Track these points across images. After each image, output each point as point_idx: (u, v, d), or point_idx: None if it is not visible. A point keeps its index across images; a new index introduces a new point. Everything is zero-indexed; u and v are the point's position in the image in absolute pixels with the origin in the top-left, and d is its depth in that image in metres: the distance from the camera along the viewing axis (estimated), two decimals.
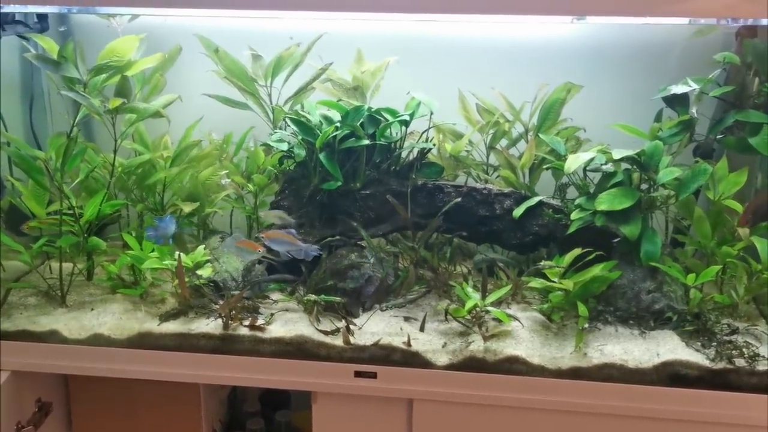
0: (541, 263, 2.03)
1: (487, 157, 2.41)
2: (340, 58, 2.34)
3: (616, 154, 2.03)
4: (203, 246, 2.19)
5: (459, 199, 2.18)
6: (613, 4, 1.81)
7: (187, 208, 2.23)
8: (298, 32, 2.33)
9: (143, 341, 2.01)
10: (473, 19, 2.29)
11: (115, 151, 2.14)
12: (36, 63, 2.06)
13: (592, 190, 2.13)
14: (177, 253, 2.06)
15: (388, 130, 2.22)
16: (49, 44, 2.05)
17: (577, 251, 1.99)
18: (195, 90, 2.33)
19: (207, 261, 2.13)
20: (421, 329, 2.02)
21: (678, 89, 2.12)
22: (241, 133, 2.41)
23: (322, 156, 2.15)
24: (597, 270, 1.97)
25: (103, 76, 2.05)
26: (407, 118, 2.20)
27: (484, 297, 2.01)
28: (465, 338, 1.98)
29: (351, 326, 2.00)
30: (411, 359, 1.94)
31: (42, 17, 2.34)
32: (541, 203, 2.18)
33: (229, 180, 2.32)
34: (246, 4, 1.94)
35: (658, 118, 2.22)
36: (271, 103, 2.38)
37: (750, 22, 2.08)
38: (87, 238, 2.17)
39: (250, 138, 2.40)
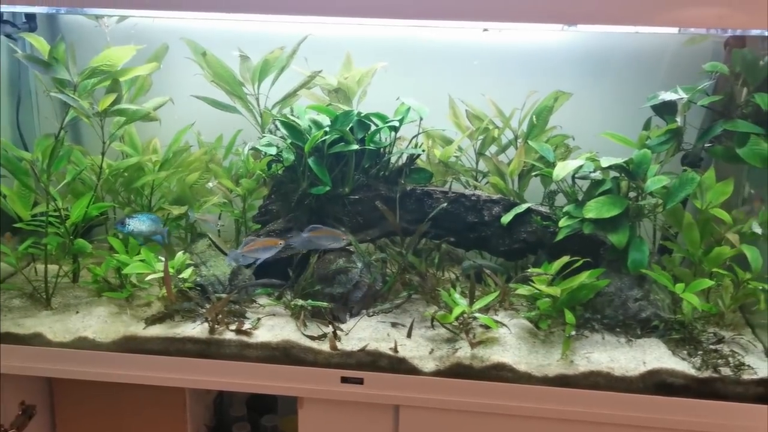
0: (529, 270, 2.03)
1: (477, 164, 2.41)
2: (330, 63, 2.33)
3: (605, 162, 2.04)
4: (182, 251, 2.17)
5: (446, 204, 2.18)
6: (604, 13, 1.81)
7: (176, 211, 2.21)
8: (287, 36, 2.33)
9: (128, 345, 2.00)
10: (464, 26, 2.30)
11: (103, 154, 2.13)
12: (27, 64, 2.04)
13: (580, 198, 2.13)
14: (163, 256, 2.05)
15: (378, 136, 2.22)
16: (40, 43, 2.03)
17: (565, 259, 1.99)
18: (183, 92, 2.32)
19: (189, 266, 2.12)
20: (408, 335, 2.01)
21: (667, 97, 2.12)
22: (229, 135, 2.41)
23: (311, 160, 2.14)
24: (584, 277, 1.97)
25: (94, 80, 2.03)
26: (396, 123, 2.19)
27: (471, 303, 2.01)
28: (452, 344, 1.97)
29: (338, 331, 1.99)
30: (398, 365, 1.93)
31: (30, 17, 2.32)
32: (529, 210, 2.18)
33: (216, 182, 2.31)
34: (235, 7, 1.93)
35: (646, 126, 2.23)
36: (259, 107, 2.37)
37: (739, 32, 2.09)
38: (73, 240, 2.15)
39: (240, 142, 2.39)
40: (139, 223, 2.08)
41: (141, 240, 2.10)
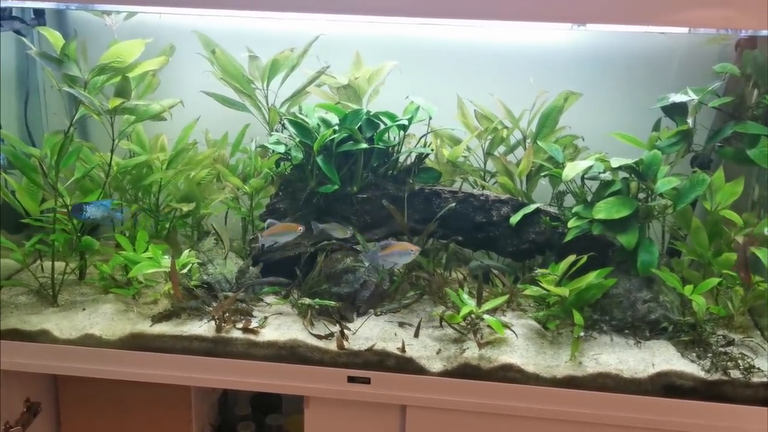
0: (536, 270, 2.02)
1: (485, 164, 2.41)
2: (339, 62, 2.33)
3: (614, 163, 2.03)
4: (189, 249, 2.17)
5: (454, 205, 2.17)
6: (613, 12, 1.80)
7: (185, 207, 2.21)
8: (296, 33, 2.32)
9: (135, 342, 1.99)
10: (473, 24, 2.29)
11: (111, 151, 2.12)
12: (40, 60, 2.03)
13: (589, 199, 2.12)
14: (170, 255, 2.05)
15: (386, 134, 2.21)
16: (54, 37, 2.02)
17: (571, 258, 1.98)
18: (190, 90, 2.32)
19: (194, 263, 2.12)
20: (416, 335, 2.00)
21: (677, 98, 2.12)
22: (236, 133, 2.40)
23: (319, 159, 2.14)
24: (591, 277, 1.96)
25: (104, 76, 2.02)
26: (405, 122, 2.19)
27: (479, 304, 2.00)
28: (459, 345, 1.96)
29: (345, 331, 1.99)
30: (405, 365, 1.93)
31: (39, 13, 2.32)
32: (538, 210, 2.18)
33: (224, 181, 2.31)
34: (244, 4, 1.93)
35: (656, 127, 2.22)
36: (268, 105, 2.37)
37: (750, 32, 2.08)
38: (80, 237, 2.15)
39: (248, 140, 2.38)
40: (94, 209, 2.06)
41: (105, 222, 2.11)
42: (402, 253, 2.02)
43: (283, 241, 2.09)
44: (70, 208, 2.07)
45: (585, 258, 1.98)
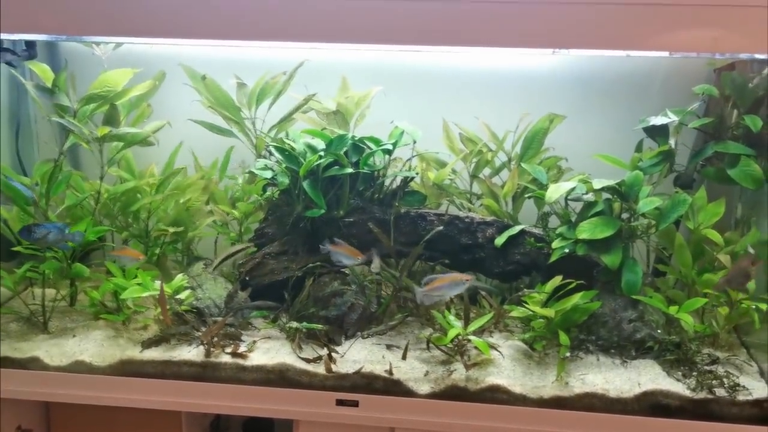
0: (524, 291, 2.04)
1: (471, 186, 2.43)
2: (325, 88, 2.36)
3: (597, 184, 2.06)
4: (180, 274, 2.18)
5: (441, 228, 2.19)
6: (596, 37, 1.82)
7: (171, 230, 2.23)
8: (284, 61, 2.36)
9: (125, 368, 2.00)
10: (459, 50, 2.32)
11: (101, 179, 2.15)
12: (34, 92, 2.07)
13: (573, 219, 2.15)
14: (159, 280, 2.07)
15: (372, 159, 2.24)
16: (44, 71, 2.06)
17: (557, 279, 2.00)
18: (181, 117, 2.35)
19: (186, 288, 2.14)
20: (403, 357, 2.02)
21: (657, 121, 2.15)
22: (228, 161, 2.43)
23: (305, 184, 2.16)
24: (577, 299, 1.97)
25: (93, 105, 2.06)
26: (390, 146, 2.21)
27: (466, 325, 2.01)
28: (447, 367, 1.97)
29: (333, 354, 2.00)
30: (393, 387, 1.94)
31: (30, 45, 2.35)
32: (523, 232, 2.20)
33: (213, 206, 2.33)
34: (231, 35, 1.96)
35: (638, 148, 2.25)
36: (255, 132, 2.40)
37: (728, 55, 2.11)
38: (71, 264, 2.17)
39: (236, 165, 2.41)
40: (45, 231, 2.05)
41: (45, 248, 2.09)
42: (453, 285, 2.00)
43: (348, 263, 2.11)
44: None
45: (574, 283, 1.99)
